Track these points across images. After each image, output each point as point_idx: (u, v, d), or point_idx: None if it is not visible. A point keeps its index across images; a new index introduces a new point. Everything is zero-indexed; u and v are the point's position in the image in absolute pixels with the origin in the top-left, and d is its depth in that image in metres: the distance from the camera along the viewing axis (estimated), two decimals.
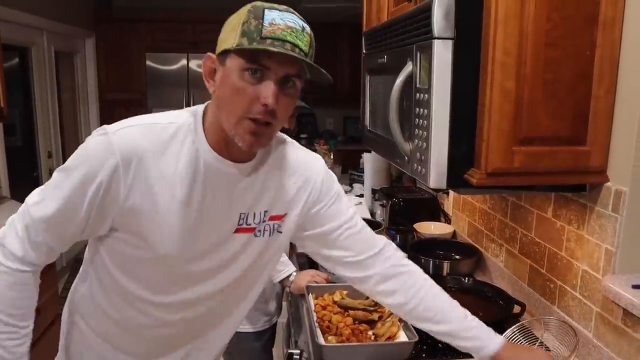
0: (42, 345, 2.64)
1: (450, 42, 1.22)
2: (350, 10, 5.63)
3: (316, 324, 1.43)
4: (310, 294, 1.62)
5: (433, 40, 1.22)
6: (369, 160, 2.96)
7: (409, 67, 1.37)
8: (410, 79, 1.37)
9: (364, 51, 1.97)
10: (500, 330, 1.36)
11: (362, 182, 3.25)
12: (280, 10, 1.00)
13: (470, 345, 1.21)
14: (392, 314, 1.47)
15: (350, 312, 1.51)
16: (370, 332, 1.44)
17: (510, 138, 1.23)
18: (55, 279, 2.85)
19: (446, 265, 1.94)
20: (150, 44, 5.36)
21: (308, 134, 6.06)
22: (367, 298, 1.59)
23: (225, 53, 1.00)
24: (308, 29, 1.02)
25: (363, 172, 3.17)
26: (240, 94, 0.98)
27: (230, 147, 1.05)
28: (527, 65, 1.20)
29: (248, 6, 1.01)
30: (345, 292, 1.61)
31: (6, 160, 3.48)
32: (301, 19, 1.02)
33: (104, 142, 1.00)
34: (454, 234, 2.34)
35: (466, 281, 1.78)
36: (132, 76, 5.40)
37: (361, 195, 2.97)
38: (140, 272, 1.11)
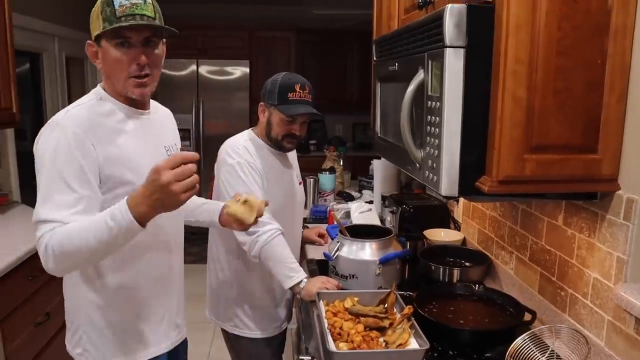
0: (52, 349, 2.66)
1: (461, 51, 1.23)
2: (360, 17, 5.66)
3: (327, 331, 1.44)
4: (321, 301, 1.62)
5: (445, 48, 1.23)
6: (379, 167, 2.96)
7: (420, 75, 1.37)
8: (421, 86, 1.38)
9: (375, 59, 1.98)
10: (510, 338, 1.36)
11: (371, 189, 3.25)
12: None
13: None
14: (403, 320, 1.47)
15: (362, 318, 1.51)
16: (381, 339, 1.44)
17: (522, 146, 1.23)
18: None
19: (456, 273, 1.94)
20: None
21: (317, 140, 6.08)
22: (379, 305, 1.59)
23: (98, 37, 1.36)
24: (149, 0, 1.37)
25: (372, 178, 3.17)
26: (119, 62, 1.36)
27: (133, 100, 1.44)
28: (539, 73, 1.21)
29: None
30: (356, 298, 1.62)
31: (17, 165, 3.51)
32: None
33: (60, 129, 1.31)
34: (464, 241, 2.34)
35: (476, 288, 1.78)
36: None
37: (371, 202, 2.97)
38: None
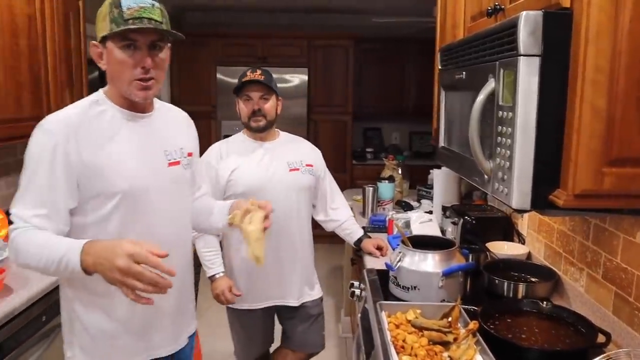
0: None
1: (537, 59, 1.18)
2: (419, 25, 5.60)
3: (390, 343, 1.42)
4: (383, 312, 1.60)
5: (518, 57, 1.19)
6: (439, 177, 2.90)
7: (490, 84, 1.34)
8: (492, 96, 1.34)
9: (440, 67, 1.95)
10: None
11: (430, 198, 3.19)
12: None
13: None
14: (468, 336, 1.43)
15: (425, 332, 1.48)
16: (445, 354, 1.41)
17: (601, 158, 1.17)
18: None
19: (522, 288, 1.87)
20: (221, 59, 5.54)
21: (374, 148, 6.05)
22: (442, 318, 1.55)
23: (104, 39, 1.36)
24: (157, 4, 1.38)
25: (431, 188, 3.11)
26: (124, 65, 1.36)
27: (134, 103, 1.44)
28: (620, 82, 1.15)
29: (108, 0, 1.36)
30: (418, 311, 1.59)
31: None
32: None
33: (43, 134, 1.34)
34: (529, 255, 2.25)
35: (544, 305, 1.71)
36: (203, 89, 5.58)
37: (430, 212, 2.92)
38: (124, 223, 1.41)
